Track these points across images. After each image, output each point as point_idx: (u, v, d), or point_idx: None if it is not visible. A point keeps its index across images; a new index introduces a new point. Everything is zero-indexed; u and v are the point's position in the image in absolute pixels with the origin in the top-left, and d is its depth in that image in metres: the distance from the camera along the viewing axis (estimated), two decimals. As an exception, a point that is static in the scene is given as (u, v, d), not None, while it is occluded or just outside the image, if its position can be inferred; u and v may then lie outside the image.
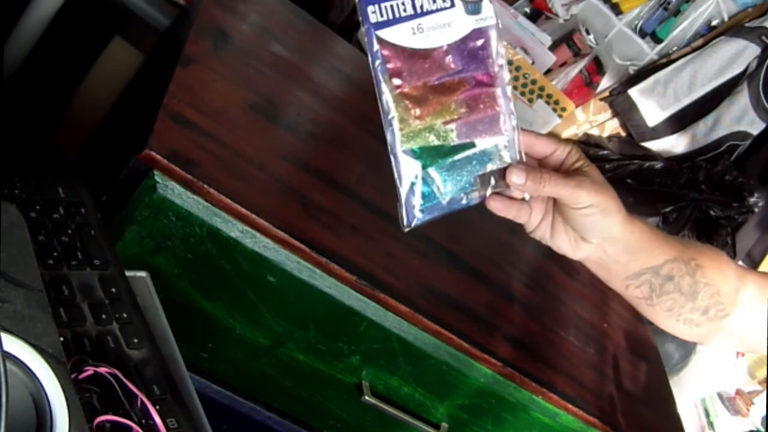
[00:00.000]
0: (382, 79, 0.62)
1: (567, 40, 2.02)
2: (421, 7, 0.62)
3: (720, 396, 2.24)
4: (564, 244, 0.72)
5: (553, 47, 1.97)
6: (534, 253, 1.09)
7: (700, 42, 2.08)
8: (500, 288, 0.92)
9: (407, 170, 0.63)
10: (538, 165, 0.69)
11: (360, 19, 0.62)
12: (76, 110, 1.22)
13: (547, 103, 1.81)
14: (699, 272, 0.78)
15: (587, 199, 0.67)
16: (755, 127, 2.06)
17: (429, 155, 0.63)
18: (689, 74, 2.05)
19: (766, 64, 1.99)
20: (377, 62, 0.62)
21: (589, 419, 0.85)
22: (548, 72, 1.97)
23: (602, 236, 0.70)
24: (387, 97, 0.62)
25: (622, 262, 0.72)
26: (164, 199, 0.66)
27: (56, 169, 0.66)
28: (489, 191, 0.66)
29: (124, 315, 0.56)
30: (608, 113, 2.14)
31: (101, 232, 0.59)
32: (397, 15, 0.63)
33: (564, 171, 0.68)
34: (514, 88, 1.76)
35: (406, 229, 0.64)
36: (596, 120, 2.14)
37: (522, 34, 1.89)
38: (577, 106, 2.04)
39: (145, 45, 1.21)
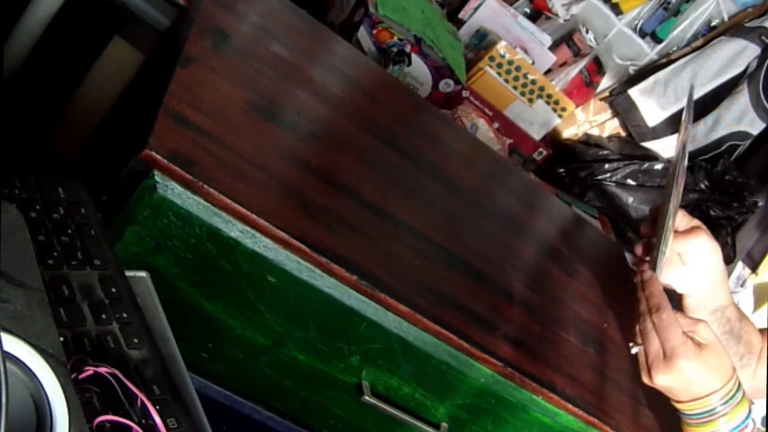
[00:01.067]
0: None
1: (567, 40, 2.02)
2: None
3: (720, 396, 2.23)
4: (687, 285, 0.93)
5: (553, 47, 1.97)
6: (534, 253, 1.09)
7: (700, 42, 2.08)
8: (500, 288, 0.92)
9: None
10: None
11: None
12: (76, 110, 1.22)
13: (547, 103, 1.81)
14: (743, 320, 0.95)
15: (708, 244, 0.91)
16: (755, 127, 2.06)
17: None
18: (689, 74, 2.05)
19: (766, 64, 1.99)
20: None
21: (589, 419, 0.85)
22: (548, 72, 1.97)
23: (713, 271, 0.92)
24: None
25: (713, 295, 0.93)
26: (164, 199, 0.66)
27: (56, 169, 0.66)
28: None
29: (124, 315, 0.56)
30: (608, 113, 2.14)
31: (101, 232, 0.59)
32: None
33: (683, 231, 0.92)
34: (514, 88, 1.76)
35: None
36: (596, 120, 2.14)
37: (522, 34, 1.89)
38: (577, 106, 2.04)
39: (145, 45, 1.21)
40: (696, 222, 0.93)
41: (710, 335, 0.82)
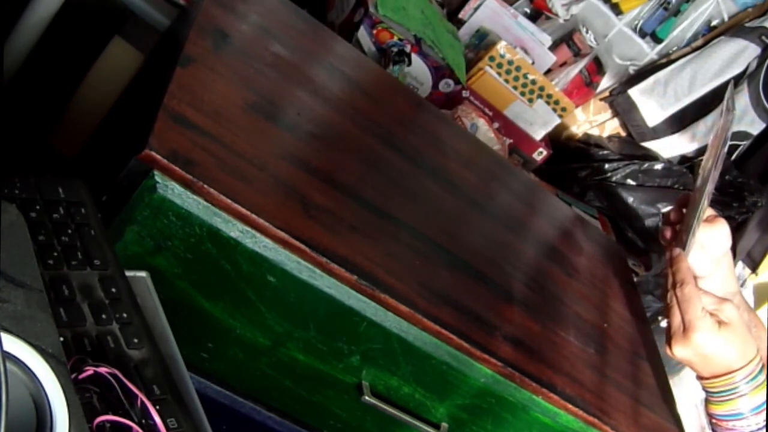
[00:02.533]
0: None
1: (567, 40, 2.02)
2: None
3: (720, 396, 2.23)
4: (705, 270, 0.95)
5: (553, 47, 1.97)
6: (534, 253, 1.09)
7: (700, 42, 2.08)
8: (500, 288, 0.92)
9: None
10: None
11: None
12: (76, 110, 1.22)
13: (547, 103, 1.81)
14: (751, 312, 0.97)
15: (727, 231, 0.95)
16: (755, 127, 2.06)
17: None
18: (689, 74, 2.04)
19: (766, 64, 1.99)
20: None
21: (589, 419, 0.85)
22: (548, 72, 1.97)
23: (726, 256, 0.96)
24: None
25: (726, 280, 0.95)
26: (164, 199, 0.66)
27: (56, 169, 0.66)
28: None
29: (124, 315, 0.56)
30: (608, 113, 2.14)
31: (101, 232, 0.59)
32: None
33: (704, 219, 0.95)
34: (514, 88, 1.76)
35: None
36: (596, 120, 2.14)
37: (522, 34, 1.89)
38: (577, 106, 2.04)
39: (145, 45, 1.21)
40: (712, 210, 0.98)
41: (734, 315, 0.85)
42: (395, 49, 1.50)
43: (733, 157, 2.09)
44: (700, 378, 0.89)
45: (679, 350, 0.86)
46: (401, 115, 1.10)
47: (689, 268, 0.90)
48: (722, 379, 0.86)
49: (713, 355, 0.84)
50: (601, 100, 2.13)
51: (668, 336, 0.87)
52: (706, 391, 0.89)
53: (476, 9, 1.87)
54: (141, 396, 0.51)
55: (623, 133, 2.14)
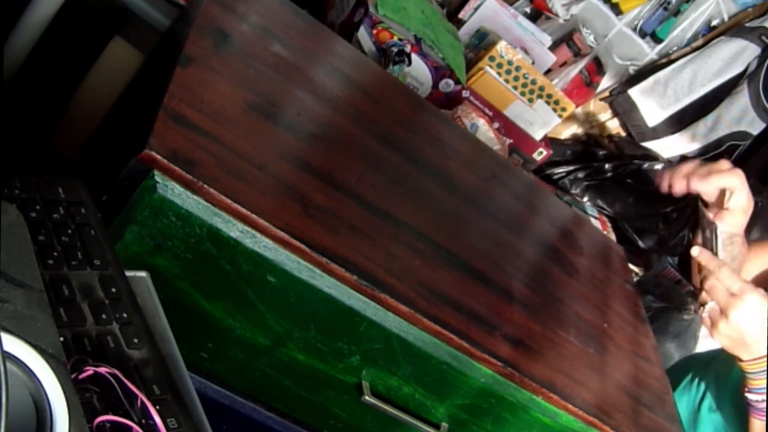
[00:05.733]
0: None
1: (567, 40, 2.02)
2: None
3: (720, 396, 2.23)
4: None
5: (553, 47, 1.97)
6: (534, 253, 1.09)
7: (700, 42, 2.08)
8: (500, 288, 0.92)
9: None
10: None
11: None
12: (76, 110, 1.22)
13: (547, 103, 1.81)
14: None
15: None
16: (755, 127, 2.06)
17: None
18: (689, 74, 2.05)
19: (766, 64, 1.99)
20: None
21: (589, 419, 0.85)
22: (548, 72, 1.97)
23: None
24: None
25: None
26: (164, 199, 0.66)
27: (56, 169, 0.66)
28: None
29: (124, 315, 0.56)
30: (608, 113, 2.14)
31: (101, 232, 0.59)
32: None
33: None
34: (514, 88, 1.77)
35: None
36: (596, 120, 2.14)
37: (522, 34, 1.89)
38: (577, 106, 2.04)
39: (145, 45, 1.22)
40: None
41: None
42: (395, 49, 1.50)
43: (733, 157, 2.09)
44: (739, 361, 0.98)
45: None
46: (401, 115, 1.10)
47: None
48: (758, 362, 0.97)
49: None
50: (601, 100, 2.13)
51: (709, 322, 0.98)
52: (746, 374, 0.99)
53: (476, 9, 1.88)
54: (141, 396, 0.51)
55: (623, 133, 2.15)
